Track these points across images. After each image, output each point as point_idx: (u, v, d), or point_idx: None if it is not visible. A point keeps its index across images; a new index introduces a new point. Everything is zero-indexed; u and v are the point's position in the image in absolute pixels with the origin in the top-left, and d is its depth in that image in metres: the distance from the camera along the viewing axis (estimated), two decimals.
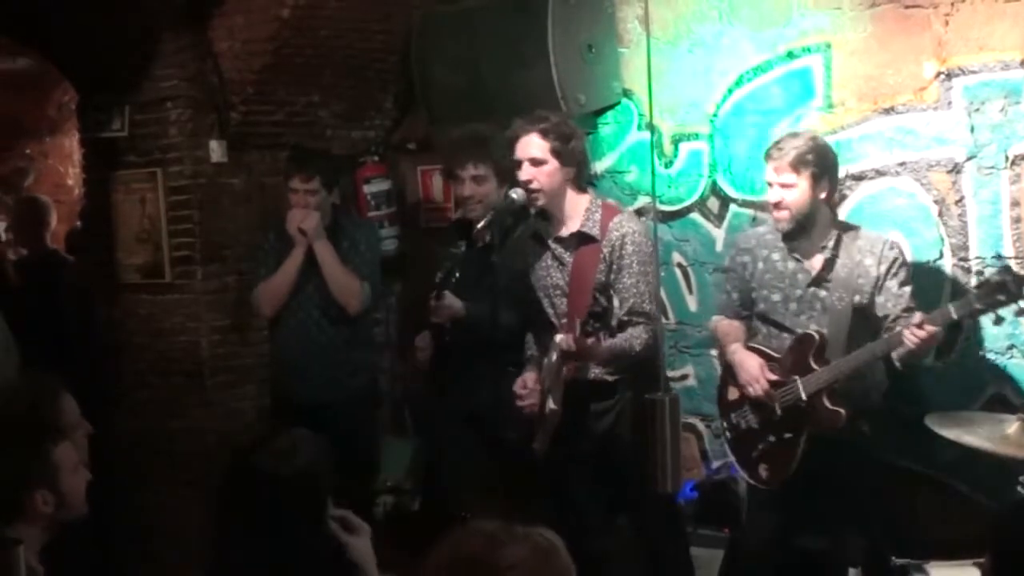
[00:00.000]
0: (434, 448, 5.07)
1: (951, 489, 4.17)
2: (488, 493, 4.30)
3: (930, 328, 3.53)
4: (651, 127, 4.76)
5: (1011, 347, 4.08)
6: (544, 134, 3.97)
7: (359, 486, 4.74)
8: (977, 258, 4.13)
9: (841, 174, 4.04)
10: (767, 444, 3.91)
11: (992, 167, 4.08)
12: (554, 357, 3.94)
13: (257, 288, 4.84)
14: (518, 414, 4.10)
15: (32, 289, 5.96)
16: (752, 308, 4.02)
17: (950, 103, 4.14)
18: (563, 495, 4.11)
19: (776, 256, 3.94)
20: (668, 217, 4.83)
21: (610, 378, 4.01)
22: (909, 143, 4.25)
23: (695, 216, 4.83)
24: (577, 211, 4.06)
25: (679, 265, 4.89)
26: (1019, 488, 3.53)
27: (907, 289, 3.79)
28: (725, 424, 4.11)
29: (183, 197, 5.17)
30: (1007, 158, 4.05)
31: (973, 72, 4.09)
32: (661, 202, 4.79)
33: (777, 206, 3.83)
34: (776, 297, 3.93)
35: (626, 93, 4.96)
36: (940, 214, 4.21)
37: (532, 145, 3.99)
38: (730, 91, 4.68)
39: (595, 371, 4.01)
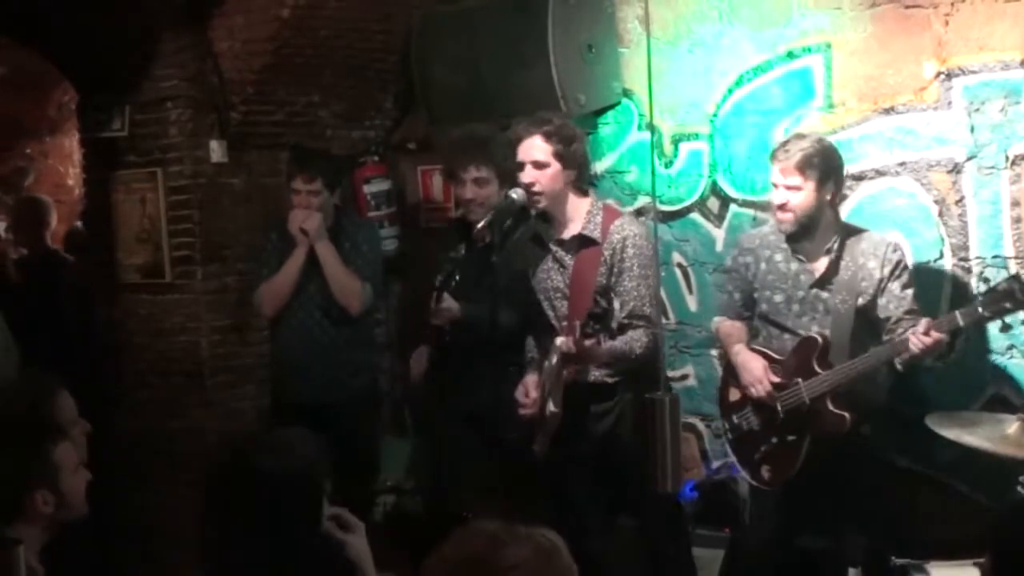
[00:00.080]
0: (434, 448, 5.07)
1: (951, 489, 4.18)
2: (488, 493, 4.30)
3: (936, 335, 3.53)
4: (651, 127, 4.76)
5: (1011, 347, 4.08)
6: (547, 137, 3.96)
7: (359, 486, 4.74)
8: (977, 258, 4.14)
9: None
10: (770, 446, 3.91)
11: (992, 167, 4.08)
12: (554, 359, 3.93)
13: (259, 288, 4.84)
14: (518, 415, 4.10)
15: (32, 289, 5.96)
16: (754, 309, 4.02)
17: (950, 103, 4.14)
18: (563, 496, 4.12)
19: (779, 257, 3.94)
20: (668, 217, 4.82)
21: (610, 380, 4.01)
22: (909, 143, 4.25)
23: (695, 216, 4.83)
24: (578, 214, 4.05)
25: (679, 265, 4.88)
26: (1019, 488, 3.53)
27: (909, 292, 3.80)
28: (726, 425, 4.10)
29: (183, 197, 5.16)
30: (1007, 158, 4.05)
31: (973, 72, 4.09)
32: (661, 202, 4.79)
33: (782, 208, 3.82)
34: (778, 298, 3.93)
35: (626, 93, 4.96)
36: (940, 214, 4.21)
37: (535, 148, 3.98)
38: (730, 91, 4.68)
39: (595, 373, 4.01)
